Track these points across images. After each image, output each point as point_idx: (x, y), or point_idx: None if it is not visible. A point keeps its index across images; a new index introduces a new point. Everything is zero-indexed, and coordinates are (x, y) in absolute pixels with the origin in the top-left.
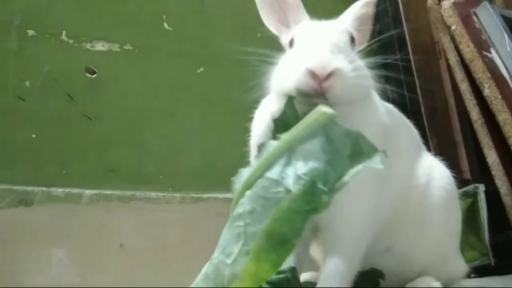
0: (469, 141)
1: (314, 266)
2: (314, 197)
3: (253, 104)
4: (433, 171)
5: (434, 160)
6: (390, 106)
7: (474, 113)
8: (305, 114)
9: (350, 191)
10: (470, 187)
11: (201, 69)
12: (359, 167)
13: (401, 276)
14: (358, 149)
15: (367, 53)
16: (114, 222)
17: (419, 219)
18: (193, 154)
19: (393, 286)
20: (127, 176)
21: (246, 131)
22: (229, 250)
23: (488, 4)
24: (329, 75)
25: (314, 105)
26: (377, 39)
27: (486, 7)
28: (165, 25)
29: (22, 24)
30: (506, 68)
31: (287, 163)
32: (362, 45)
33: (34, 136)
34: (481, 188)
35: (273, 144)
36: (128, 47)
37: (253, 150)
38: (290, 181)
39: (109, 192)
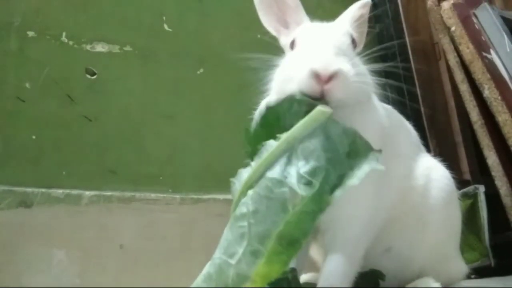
0: (469, 142)
1: (314, 267)
2: (322, 197)
3: (253, 105)
4: (433, 172)
5: (433, 161)
6: (389, 107)
7: (474, 114)
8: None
9: (350, 192)
10: (470, 188)
11: (201, 70)
12: (365, 168)
13: (401, 277)
14: (355, 147)
15: (367, 54)
16: (114, 223)
17: (418, 220)
18: (193, 155)
19: (393, 287)
20: (127, 177)
21: (246, 132)
22: (233, 250)
23: (488, 5)
24: (332, 77)
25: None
26: (379, 47)
27: (485, 8)
28: (165, 27)
29: (22, 25)
30: (506, 69)
31: (288, 162)
32: (360, 47)
33: (34, 137)
34: (481, 189)
35: (273, 144)
36: (128, 48)
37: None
38: (294, 180)
39: (109, 193)
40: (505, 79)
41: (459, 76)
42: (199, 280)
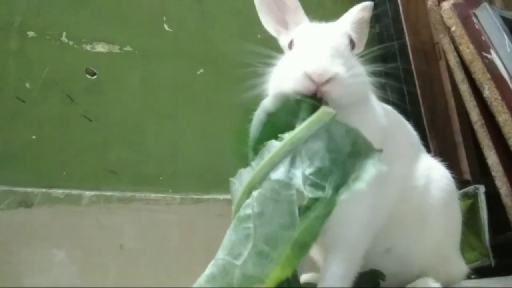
0: (469, 142)
1: (314, 267)
2: (330, 200)
3: (253, 106)
4: (433, 172)
5: (433, 161)
6: (388, 107)
7: (474, 114)
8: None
9: None
10: (470, 188)
11: (201, 70)
12: (371, 171)
13: (401, 277)
14: (357, 147)
15: (367, 54)
16: (114, 223)
17: (419, 220)
18: (193, 155)
19: (393, 287)
20: (127, 177)
21: (246, 132)
22: (237, 251)
23: (488, 5)
24: (327, 80)
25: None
26: (379, 46)
27: (485, 8)
28: (165, 27)
29: (22, 26)
30: (506, 69)
31: (293, 163)
32: (360, 48)
33: (34, 137)
34: (481, 189)
35: (276, 145)
36: (128, 48)
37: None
38: (300, 182)
39: (109, 193)
40: (505, 79)
41: (459, 76)
42: (201, 281)
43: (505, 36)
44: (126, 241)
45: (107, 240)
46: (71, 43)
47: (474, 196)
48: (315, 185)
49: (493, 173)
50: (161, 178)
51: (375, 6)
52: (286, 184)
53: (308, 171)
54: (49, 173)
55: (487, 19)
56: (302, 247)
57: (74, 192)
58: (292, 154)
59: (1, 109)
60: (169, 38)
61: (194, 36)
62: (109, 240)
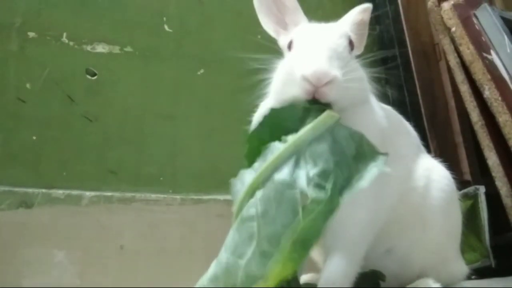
0: (469, 143)
1: (314, 268)
2: (333, 200)
3: (253, 107)
4: (433, 173)
5: (433, 162)
6: (388, 108)
7: (474, 114)
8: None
9: None
10: (470, 189)
11: (201, 71)
12: (374, 171)
13: (402, 278)
14: (362, 151)
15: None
16: (115, 223)
17: (419, 221)
18: (193, 155)
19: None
20: (128, 177)
21: (246, 133)
22: (241, 251)
23: (488, 6)
24: (326, 83)
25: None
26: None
27: (486, 9)
28: (166, 27)
29: (23, 26)
30: (506, 69)
31: (297, 165)
32: (359, 50)
33: (34, 138)
34: (482, 189)
35: (279, 146)
36: (128, 49)
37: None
38: (304, 183)
39: (109, 193)
40: (505, 79)
41: (459, 76)
42: (204, 281)
43: (505, 37)
44: (126, 242)
45: (107, 241)
46: (71, 43)
47: (474, 196)
48: (318, 186)
49: (493, 174)
50: (161, 178)
51: (376, 7)
52: (290, 184)
53: (312, 172)
54: (50, 174)
55: (487, 19)
56: (304, 246)
57: (74, 192)
58: (296, 155)
59: (1, 109)
60: (170, 39)
61: (194, 36)
62: (110, 240)
